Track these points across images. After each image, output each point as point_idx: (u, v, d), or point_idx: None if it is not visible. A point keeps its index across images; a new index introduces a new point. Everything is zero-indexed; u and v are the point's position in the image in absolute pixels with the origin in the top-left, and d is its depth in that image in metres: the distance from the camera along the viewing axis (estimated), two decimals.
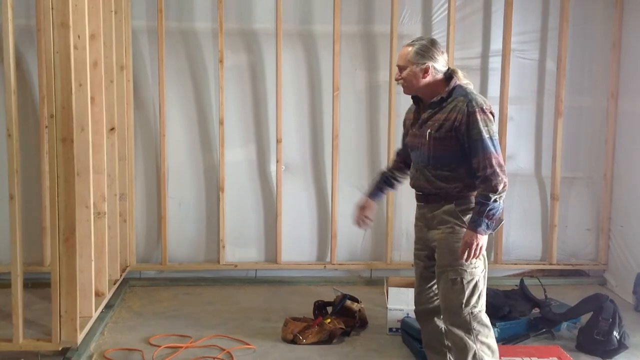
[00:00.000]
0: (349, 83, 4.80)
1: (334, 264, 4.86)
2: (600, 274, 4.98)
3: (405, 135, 2.99)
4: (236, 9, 4.69)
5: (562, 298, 4.17)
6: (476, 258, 2.65)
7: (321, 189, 4.90)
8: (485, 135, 2.60)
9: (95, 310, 3.69)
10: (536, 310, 3.92)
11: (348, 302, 3.92)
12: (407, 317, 3.72)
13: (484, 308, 2.75)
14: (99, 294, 3.86)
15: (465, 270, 2.69)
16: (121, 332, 3.83)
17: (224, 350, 3.56)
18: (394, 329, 3.82)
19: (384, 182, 3.08)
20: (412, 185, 2.89)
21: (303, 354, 3.57)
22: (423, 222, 2.85)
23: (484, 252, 2.71)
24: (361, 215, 3.04)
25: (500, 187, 2.58)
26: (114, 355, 3.50)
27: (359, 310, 3.92)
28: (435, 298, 2.87)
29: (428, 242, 2.83)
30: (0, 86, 3.73)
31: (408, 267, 4.58)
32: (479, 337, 2.71)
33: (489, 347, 2.73)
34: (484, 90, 4.82)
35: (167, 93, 4.66)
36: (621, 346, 3.57)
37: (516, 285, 4.16)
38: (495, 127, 2.66)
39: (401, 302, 3.80)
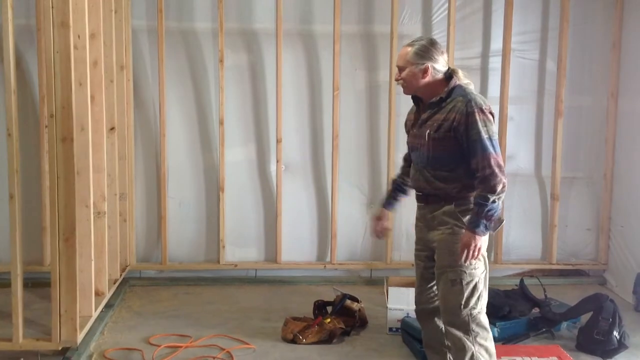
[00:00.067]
0: (349, 83, 4.81)
1: (334, 264, 4.86)
2: (600, 274, 4.98)
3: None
4: (236, 8, 4.69)
5: (562, 298, 4.17)
6: (475, 259, 2.64)
7: (321, 189, 4.90)
8: (484, 136, 2.58)
9: (95, 310, 3.69)
10: (536, 310, 3.92)
11: (348, 302, 3.92)
12: (407, 316, 3.72)
13: (484, 310, 2.74)
14: (98, 294, 3.86)
15: (465, 272, 2.67)
16: (121, 331, 3.83)
17: (224, 349, 3.56)
18: (394, 329, 3.82)
19: (397, 190, 3.06)
20: (412, 186, 2.89)
21: (303, 353, 3.57)
22: (423, 223, 2.85)
23: (484, 253, 2.71)
24: (379, 227, 3.04)
25: (499, 188, 2.57)
26: (114, 354, 3.50)
27: (359, 309, 3.92)
28: (436, 298, 2.87)
29: (428, 243, 2.82)
30: (0, 86, 3.73)
31: (408, 267, 4.58)
32: (478, 338, 2.70)
33: (486, 350, 2.73)
34: (484, 90, 4.82)
35: (167, 93, 4.67)
36: (621, 346, 3.57)
37: (516, 285, 4.16)
38: (494, 128, 2.64)
39: (401, 301, 3.80)
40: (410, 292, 3.41)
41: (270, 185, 4.84)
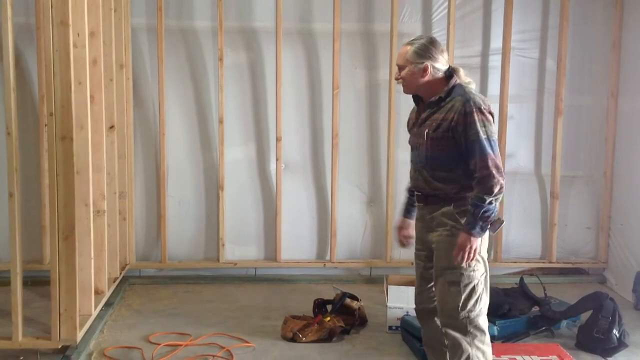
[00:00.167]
0: (349, 82, 4.80)
1: (333, 262, 4.86)
2: (600, 272, 4.99)
3: None
4: (236, 7, 4.69)
5: (562, 296, 4.17)
6: (470, 260, 2.62)
7: (321, 188, 4.90)
8: (483, 136, 2.56)
9: (95, 308, 3.69)
10: (536, 309, 3.92)
11: (348, 300, 3.92)
12: (407, 315, 3.72)
13: (483, 312, 2.72)
14: (98, 292, 3.86)
15: (463, 274, 2.66)
16: (121, 330, 3.83)
17: (223, 348, 3.57)
18: (394, 327, 3.83)
19: (413, 196, 3.00)
20: (412, 186, 2.87)
21: (303, 352, 3.57)
22: (422, 223, 2.83)
23: (484, 255, 2.69)
24: (402, 235, 3.02)
25: (496, 189, 2.54)
26: (114, 353, 3.50)
27: (359, 308, 3.92)
28: (435, 298, 2.86)
29: (427, 243, 2.81)
30: None
31: (408, 266, 4.58)
32: (475, 341, 2.69)
33: (483, 353, 2.71)
34: (483, 88, 4.82)
35: (167, 91, 4.66)
36: (621, 344, 3.57)
37: (516, 284, 4.16)
38: (493, 128, 2.61)
39: (401, 300, 3.80)
40: (410, 291, 3.41)
41: (270, 183, 4.84)
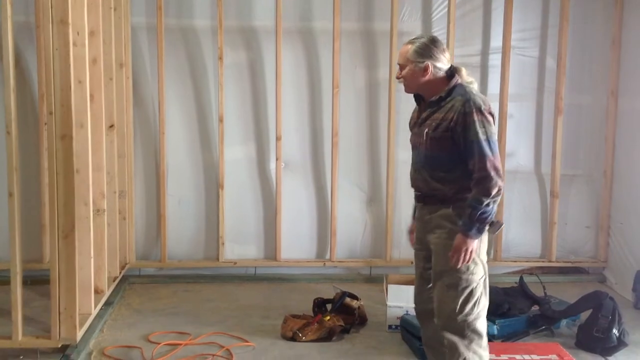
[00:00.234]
0: (349, 81, 4.80)
1: (333, 262, 4.86)
2: (600, 272, 4.99)
3: None
4: (236, 6, 4.68)
5: (562, 295, 4.17)
6: (467, 262, 2.60)
7: (321, 187, 4.90)
8: (482, 137, 2.53)
9: (95, 308, 3.69)
10: (536, 308, 3.92)
11: (347, 300, 3.92)
12: (407, 314, 3.72)
13: (481, 316, 2.69)
14: (98, 291, 3.86)
15: (461, 277, 2.64)
16: (120, 329, 3.83)
17: (223, 347, 3.57)
18: (394, 326, 3.82)
19: None
20: (411, 185, 2.85)
21: (302, 351, 3.57)
22: (421, 224, 2.81)
23: (483, 257, 2.68)
24: (412, 239, 2.99)
25: (494, 191, 2.52)
26: (114, 352, 3.50)
27: (359, 307, 3.92)
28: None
29: (426, 244, 2.79)
30: None
31: (407, 265, 4.57)
32: (472, 344, 2.67)
33: (480, 357, 2.69)
34: (483, 87, 4.81)
35: (167, 90, 4.66)
36: (620, 343, 3.57)
37: (516, 283, 4.16)
38: (493, 129, 2.58)
39: (401, 299, 3.80)
40: (410, 290, 3.40)
41: (269, 182, 4.84)
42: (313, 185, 4.90)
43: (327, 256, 4.89)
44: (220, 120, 4.64)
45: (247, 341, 3.66)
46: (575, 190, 5.00)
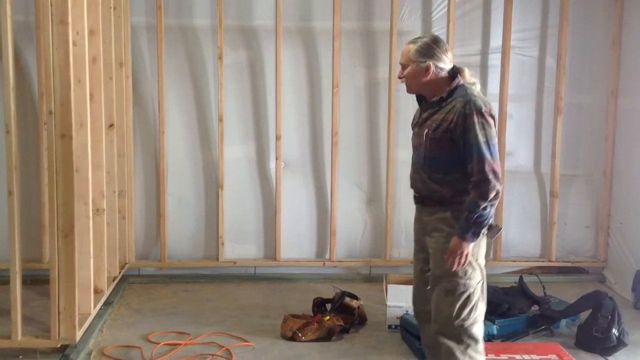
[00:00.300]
0: (349, 80, 4.80)
1: (333, 261, 4.86)
2: (600, 271, 4.99)
3: None
4: (235, 5, 4.68)
5: (561, 295, 4.17)
6: (462, 266, 2.57)
7: (320, 186, 4.90)
8: (481, 140, 2.50)
9: (94, 307, 3.69)
10: (535, 308, 3.92)
11: (347, 299, 3.92)
12: (406, 314, 3.72)
13: (478, 320, 2.67)
14: (97, 291, 3.86)
15: (459, 282, 2.61)
16: (120, 329, 3.83)
17: (222, 347, 3.56)
18: (393, 326, 3.82)
19: None
20: (411, 186, 2.82)
21: (302, 350, 3.57)
22: (419, 225, 2.80)
23: (481, 262, 2.66)
24: None
25: (492, 195, 2.49)
26: (113, 352, 3.49)
27: (358, 307, 3.92)
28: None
29: (425, 246, 2.77)
30: None
31: (407, 264, 4.57)
32: (468, 350, 2.65)
33: None
34: (483, 87, 4.78)
35: (167, 90, 4.66)
36: (620, 343, 3.57)
37: (515, 283, 4.16)
38: (493, 132, 2.54)
39: (400, 299, 3.80)
40: (410, 290, 3.39)
41: (269, 182, 4.84)
42: (313, 185, 4.90)
43: (327, 256, 4.89)
44: (220, 119, 4.64)
45: (246, 341, 3.66)
46: (574, 190, 5.00)
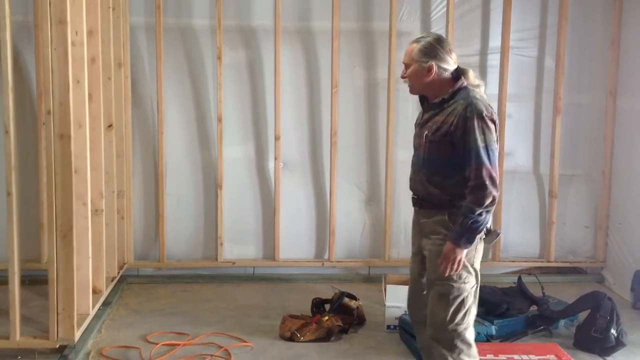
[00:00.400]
0: (348, 80, 4.80)
1: (332, 262, 4.86)
2: (598, 272, 4.99)
3: None
4: (234, 5, 4.68)
5: (560, 295, 4.17)
6: (454, 272, 2.55)
7: (320, 186, 4.90)
8: (481, 144, 2.46)
9: (93, 308, 3.68)
10: (534, 308, 3.92)
11: (346, 300, 3.92)
12: (405, 314, 3.71)
13: (470, 325, 2.66)
14: (96, 291, 3.86)
15: (453, 286, 2.59)
16: (119, 329, 3.83)
17: (221, 347, 3.56)
18: (392, 326, 3.82)
19: None
20: (410, 187, 2.79)
21: (301, 351, 3.57)
22: (417, 228, 2.78)
23: (477, 267, 2.64)
24: None
25: (487, 201, 2.46)
26: (112, 352, 3.49)
27: (357, 307, 3.92)
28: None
29: (421, 249, 2.75)
30: None
31: (406, 265, 4.50)
32: (461, 355, 2.63)
33: None
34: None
35: (165, 90, 4.65)
36: (619, 344, 3.57)
37: (514, 283, 4.16)
38: (494, 136, 2.50)
39: (399, 299, 3.79)
40: None
41: (268, 182, 4.84)
42: (312, 185, 4.90)
43: (326, 256, 4.89)
44: (219, 119, 4.64)
45: (245, 341, 3.66)
46: (573, 190, 5.00)
